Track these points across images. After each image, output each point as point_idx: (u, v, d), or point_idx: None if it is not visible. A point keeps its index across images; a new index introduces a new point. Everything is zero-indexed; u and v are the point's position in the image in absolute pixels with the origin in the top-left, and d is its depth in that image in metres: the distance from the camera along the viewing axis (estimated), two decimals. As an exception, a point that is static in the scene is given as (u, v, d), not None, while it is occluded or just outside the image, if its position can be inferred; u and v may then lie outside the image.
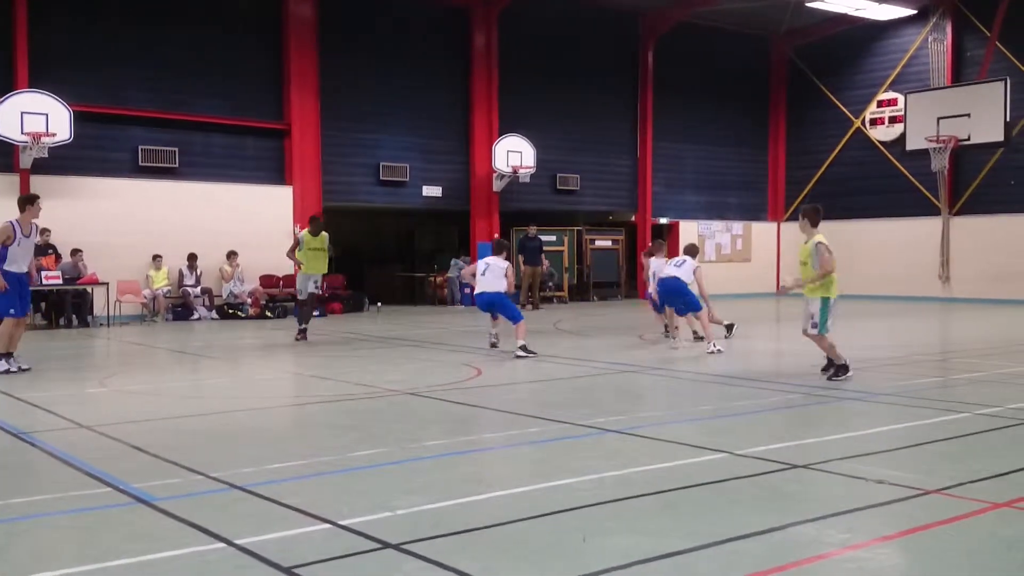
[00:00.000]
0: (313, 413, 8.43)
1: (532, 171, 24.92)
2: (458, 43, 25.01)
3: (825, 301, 9.65)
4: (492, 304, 12.78)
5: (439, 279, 25.72)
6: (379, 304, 23.21)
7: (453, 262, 25.00)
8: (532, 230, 24.18)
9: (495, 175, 24.93)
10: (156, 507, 4.86)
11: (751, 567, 3.93)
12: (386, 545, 4.19)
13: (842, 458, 5.95)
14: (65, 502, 5.11)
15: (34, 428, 7.27)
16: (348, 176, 23.35)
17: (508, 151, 24.62)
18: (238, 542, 4.22)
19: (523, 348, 12.17)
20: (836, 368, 9.71)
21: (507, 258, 12.96)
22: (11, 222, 10.91)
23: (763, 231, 30.87)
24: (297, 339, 14.61)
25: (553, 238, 26.37)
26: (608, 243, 28.18)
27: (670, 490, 5.24)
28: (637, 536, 4.39)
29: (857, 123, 28.56)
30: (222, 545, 4.21)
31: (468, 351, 13.10)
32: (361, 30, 23.32)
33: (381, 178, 23.63)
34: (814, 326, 9.64)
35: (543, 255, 24.00)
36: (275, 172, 22.19)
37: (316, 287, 15.31)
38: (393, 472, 5.81)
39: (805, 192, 29.80)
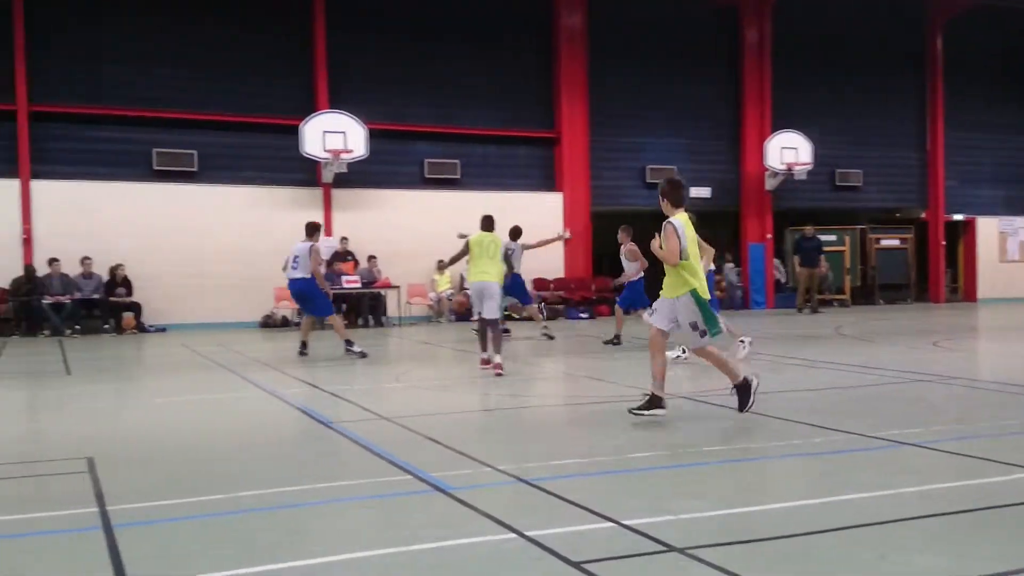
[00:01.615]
0: (589, 413, 8.59)
1: (809, 167, 23.89)
2: (726, 41, 24.51)
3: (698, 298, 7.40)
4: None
5: (709, 281, 25.30)
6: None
7: (726, 266, 24.52)
8: (809, 230, 23.15)
9: (767, 173, 24.15)
10: (452, 496, 5.17)
11: (1081, 600, 3.53)
12: (671, 548, 4.19)
13: None
14: (369, 487, 5.56)
15: (340, 418, 7.97)
16: (615, 180, 23.60)
17: (782, 148, 23.78)
18: (529, 534, 4.39)
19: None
20: (737, 389, 7.53)
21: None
22: (317, 246, 12.75)
23: (1077, 227, 27.60)
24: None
25: (832, 238, 25.08)
26: (896, 242, 26.39)
27: (977, 510, 4.82)
28: (940, 556, 4.08)
29: None
30: (514, 536, 4.40)
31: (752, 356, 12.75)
32: (628, 35, 23.51)
33: (647, 181, 23.65)
34: (703, 334, 7.48)
35: (822, 256, 22.90)
36: (545, 179, 22.89)
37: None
38: (672, 476, 5.79)
39: None
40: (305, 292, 12.76)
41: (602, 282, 22.97)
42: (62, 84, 18.78)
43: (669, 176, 8.05)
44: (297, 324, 19.76)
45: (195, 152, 19.73)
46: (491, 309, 10.84)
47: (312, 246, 12.67)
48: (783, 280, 25.62)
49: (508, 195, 22.13)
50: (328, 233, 20.82)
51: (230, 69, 20.00)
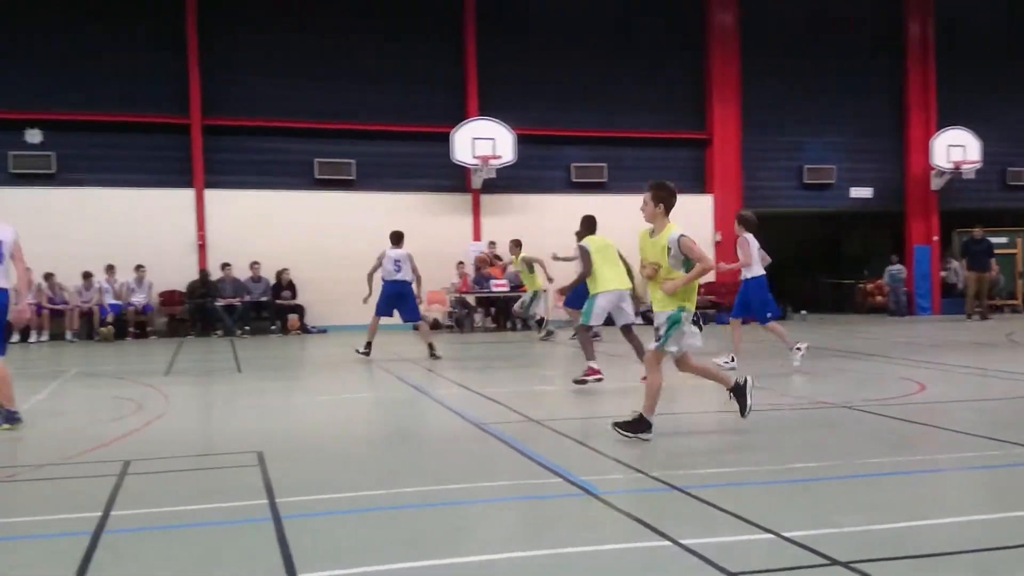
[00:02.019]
0: (744, 421, 8.39)
1: (978, 166, 22.56)
2: (886, 35, 23.50)
3: (677, 315, 6.97)
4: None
5: (870, 286, 24.24)
6: (803, 312, 22.46)
7: (888, 269, 23.45)
8: (979, 232, 21.83)
9: (933, 172, 22.94)
10: (603, 500, 5.16)
11: None
12: (834, 562, 4.04)
13: None
14: (522, 489, 5.63)
15: (491, 419, 8.10)
16: (769, 181, 22.97)
17: (948, 145, 22.53)
18: (683, 542, 4.33)
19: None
20: (735, 393, 7.33)
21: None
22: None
23: None
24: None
25: (1003, 240, 23.56)
26: (1072, 245, 24.53)
27: None
28: None
29: None
30: (668, 543, 4.35)
31: (908, 364, 12.17)
32: (781, 32, 22.86)
33: (804, 181, 22.91)
34: (657, 339, 7.04)
35: (992, 259, 21.55)
36: (696, 181, 22.52)
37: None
38: (835, 487, 5.58)
39: None
40: (405, 293, 13.54)
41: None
42: (232, 99, 19.91)
43: (661, 180, 7.23)
44: (448, 327, 20.23)
45: (353, 161, 20.51)
46: (629, 315, 10.44)
47: (410, 253, 13.57)
48: (959, 284, 24.17)
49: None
50: (476, 238, 21.20)
51: (385, 80, 20.68)
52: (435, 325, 20.35)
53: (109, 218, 18.96)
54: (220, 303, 19.12)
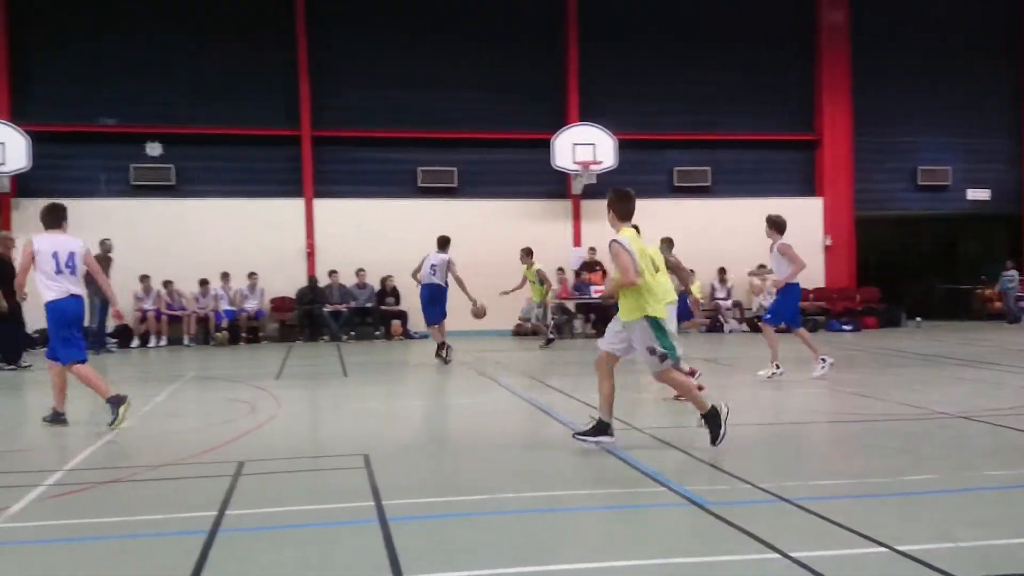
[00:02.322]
0: (856, 432, 8.12)
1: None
2: (1004, 31, 22.48)
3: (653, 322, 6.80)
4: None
5: (988, 291, 23.17)
6: (918, 319, 21.62)
7: (1002, 274, 22.36)
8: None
9: (1055, 173, 21.78)
10: (709, 511, 5.07)
11: None
12: (953, 579, 3.88)
13: None
14: (624, 497, 5.59)
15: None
16: (882, 183, 22.23)
17: (1073, 145, 21.35)
18: (793, 555, 4.22)
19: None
20: (706, 419, 6.86)
21: None
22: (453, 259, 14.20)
23: None
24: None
25: None
26: None
27: None
28: None
29: None
30: (777, 556, 4.25)
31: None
32: (894, 30, 22.11)
33: (918, 183, 22.09)
34: (663, 357, 6.81)
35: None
36: (804, 184, 21.97)
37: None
38: (950, 501, 5.35)
39: None
40: (437, 296, 14.06)
41: (868, 292, 21.71)
42: (339, 111, 20.40)
43: (616, 187, 7.29)
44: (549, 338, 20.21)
45: (455, 169, 20.76)
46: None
47: (450, 259, 14.12)
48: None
49: (763, 201, 21.38)
50: (576, 243, 21.16)
51: (486, 88, 20.84)
52: (534, 332, 20.40)
53: (224, 227, 19.67)
54: (327, 309, 19.61)
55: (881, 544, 4.38)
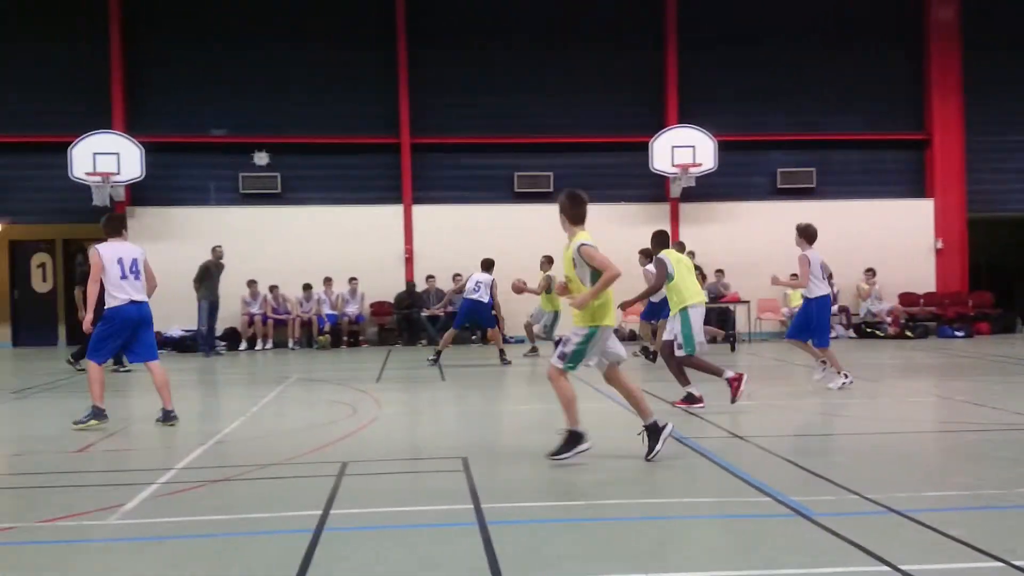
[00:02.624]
0: (969, 442, 7.79)
1: None
2: None
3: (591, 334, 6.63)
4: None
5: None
6: (1035, 325, 20.63)
7: None
8: None
9: None
10: (815, 522, 4.94)
11: None
12: (1079, 599, 3.68)
13: None
14: (727, 507, 5.49)
15: (693, 434, 7.94)
16: (997, 184, 21.28)
17: None
18: (903, 567, 4.08)
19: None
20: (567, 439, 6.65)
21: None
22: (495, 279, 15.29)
23: None
24: None
25: None
26: None
27: None
28: None
29: None
30: (887, 568, 4.11)
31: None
32: (1008, 25, 21.15)
33: (1035, 183, 21.09)
34: (562, 357, 6.72)
35: None
36: (914, 185, 21.23)
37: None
38: (1077, 517, 5.08)
39: None
40: (477, 310, 15.16)
41: (980, 297, 20.80)
42: (436, 117, 20.67)
43: (569, 190, 7.20)
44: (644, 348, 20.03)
45: (551, 174, 20.77)
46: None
47: (494, 279, 15.39)
48: None
49: (870, 203, 20.83)
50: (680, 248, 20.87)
51: (582, 92, 20.80)
52: (631, 336, 20.23)
53: (326, 233, 20.16)
54: (425, 313, 19.87)
55: (996, 558, 4.19)
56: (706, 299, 9.95)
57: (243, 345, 19.41)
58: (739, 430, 8.06)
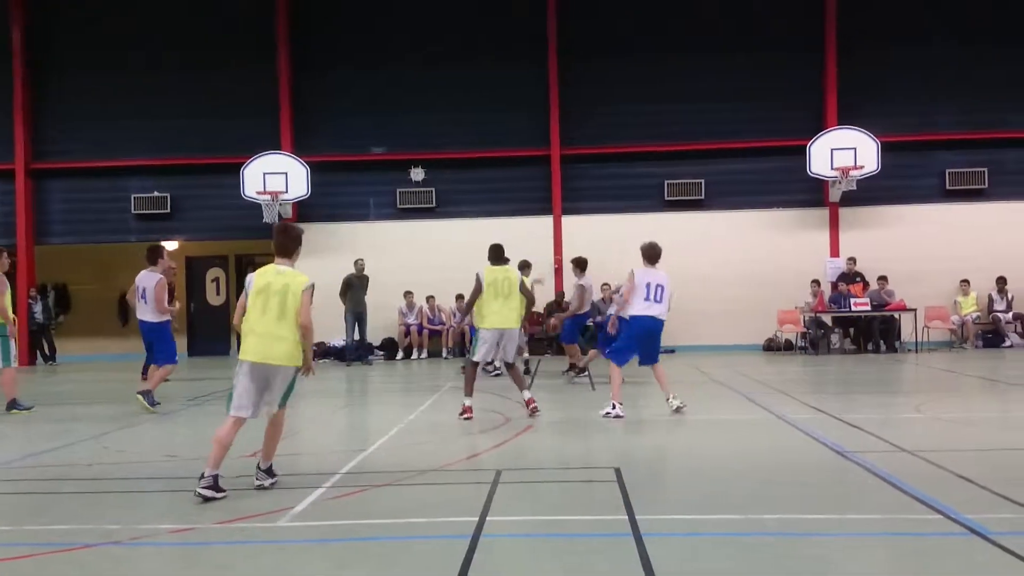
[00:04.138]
0: None
1: None
2: None
3: None
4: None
5: None
6: None
7: None
8: None
9: None
10: (994, 542, 4.66)
11: None
12: None
13: None
14: (893, 524, 5.24)
15: (856, 447, 7.62)
16: None
17: None
18: (1094, 597, 3.79)
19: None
20: None
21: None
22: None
23: None
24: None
25: None
26: None
27: None
28: None
29: None
30: (1075, 597, 3.84)
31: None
32: None
33: None
34: None
35: None
36: (1097, 184, 19.71)
37: None
38: None
39: None
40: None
41: None
42: (586, 128, 20.71)
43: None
44: (802, 348, 19.40)
45: (702, 181, 20.44)
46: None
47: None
48: None
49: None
50: (834, 254, 20.12)
51: (735, 97, 20.36)
52: (788, 345, 19.62)
53: (479, 245, 20.35)
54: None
55: None
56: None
57: (400, 355, 20.03)
58: (905, 443, 7.69)
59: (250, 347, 6.25)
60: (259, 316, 6.25)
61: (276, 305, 6.25)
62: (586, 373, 14.10)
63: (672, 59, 20.63)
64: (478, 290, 10.76)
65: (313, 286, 6.37)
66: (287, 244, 6.65)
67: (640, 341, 10.16)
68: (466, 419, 9.73)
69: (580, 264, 14.36)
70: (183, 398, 12.70)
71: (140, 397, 11.03)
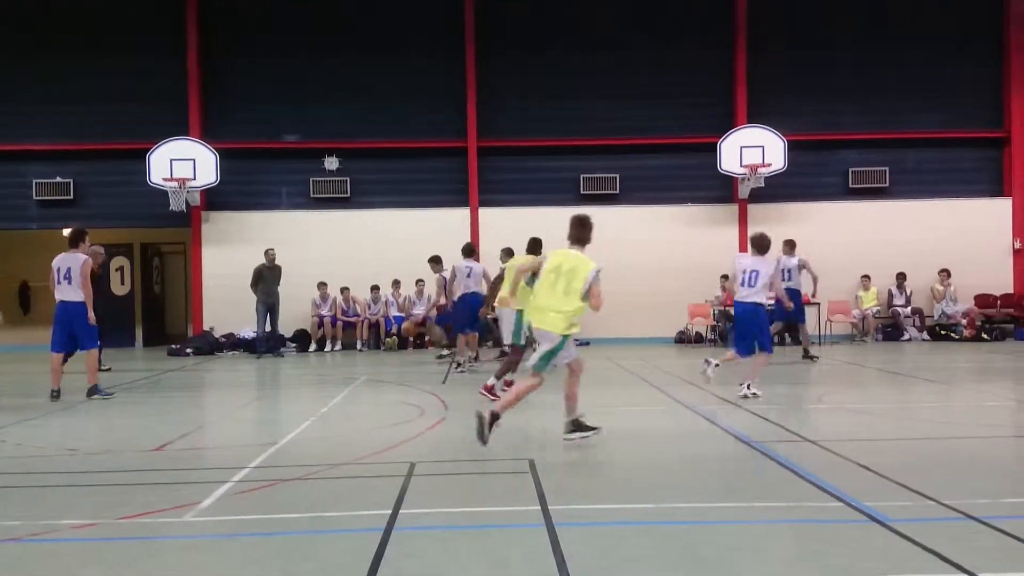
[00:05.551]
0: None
1: None
2: None
3: None
4: None
5: None
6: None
7: None
8: None
9: None
10: (891, 528, 4.84)
11: None
12: None
13: None
14: (798, 511, 5.41)
15: (762, 437, 7.82)
16: (1082, 182, 20.56)
17: None
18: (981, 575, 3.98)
19: None
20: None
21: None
22: None
23: None
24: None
25: None
26: None
27: None
28: None
29: None
30: (964, 577, 4.02)
31: None
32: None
33: (1124, 182, 20.27)
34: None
35: None
36: (991, 184, 20.63)
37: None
38: None
39: None
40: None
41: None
42: (502, 121, 20.61)
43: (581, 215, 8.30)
44: (711, 340, 19.83)
45: (617, 175, 20.68)
46: None
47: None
48: None
49: (945, 203, 20.30)
50: (743, 249, 20.60)
51: (649, 95, 20.64)
52: (698, 338, 20.04)
53: (394, 236, 20.38)
54: (490, 316, 19.93)
55: (1086, 571, 4.06)
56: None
57: (312, 346, 19.74)
58: (809, 433, 7.93)
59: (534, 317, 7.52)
60: (548, 291, 7.47)
61: (563, 283, 7.44)
62: (459, 363, 14.61)
63: (589, 55, 20.80)
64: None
65: (599, 271, 7.44)
66: (582, 235, 7.98)
67: (736, 326, 11.03)
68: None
69: (435, 260, 15.94)
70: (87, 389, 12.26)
71: (96, 397, 10.91)
